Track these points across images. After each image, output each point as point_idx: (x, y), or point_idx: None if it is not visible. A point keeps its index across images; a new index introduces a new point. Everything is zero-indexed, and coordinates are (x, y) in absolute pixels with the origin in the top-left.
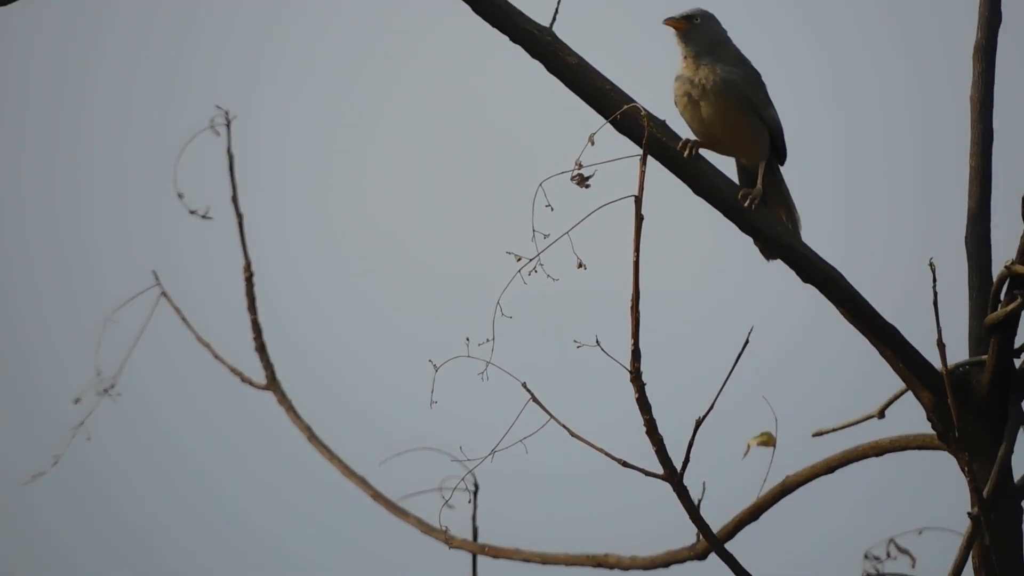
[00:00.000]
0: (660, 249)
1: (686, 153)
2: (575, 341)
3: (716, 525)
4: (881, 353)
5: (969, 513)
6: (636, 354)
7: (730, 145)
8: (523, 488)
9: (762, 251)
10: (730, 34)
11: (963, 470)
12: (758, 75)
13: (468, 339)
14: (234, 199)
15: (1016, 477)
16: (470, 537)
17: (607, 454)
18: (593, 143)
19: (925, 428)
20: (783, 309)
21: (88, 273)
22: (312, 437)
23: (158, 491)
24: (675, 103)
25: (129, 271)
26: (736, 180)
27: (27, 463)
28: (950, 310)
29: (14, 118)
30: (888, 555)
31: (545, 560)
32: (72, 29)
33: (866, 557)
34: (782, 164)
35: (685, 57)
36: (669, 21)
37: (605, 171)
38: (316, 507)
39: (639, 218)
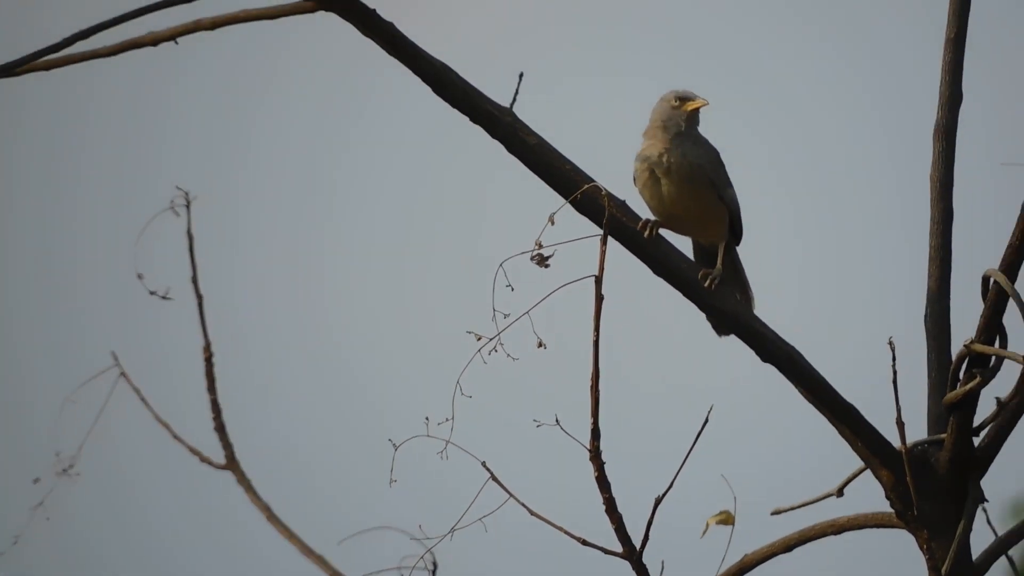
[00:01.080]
0: (620, 328)
1: (646, 233)
2: (535, 420)
3: None
4: (840, 432)
5: None
6: (595, 433)
7: (690, 225)
8: (482, 567)
9: (715, 326)
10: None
11: (922, 548)
12: (718, 154)
13: (428, 418)
14: (194, 280)
15: (975, 555)
16: None
17: (566, 532)
18: (553, 223)
19: (884, 506)
20: (742, 388)
21: (47, 353)
22: (271, 516)
23: (118, 571)
24: (635, 181)
25: (88, 352)
26: (693, 260)
27: None
28: (909, 389)
29: None
30: None
31: None
32: (33, 112)
33: None
34: (738, 244)
35: (655, 135)
36: (701, 100)
37: (565, 251)
38: None
39: (599, 298)
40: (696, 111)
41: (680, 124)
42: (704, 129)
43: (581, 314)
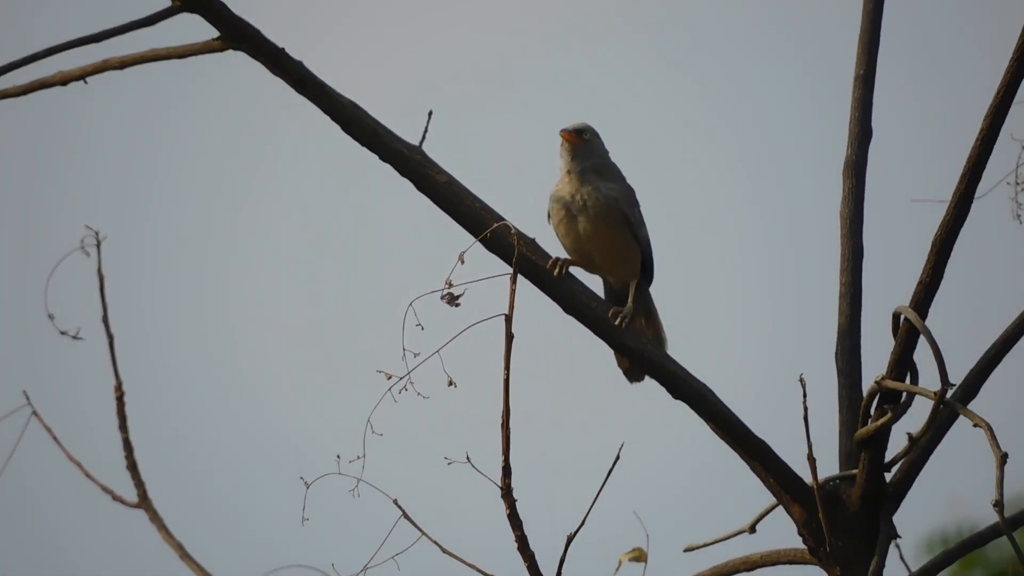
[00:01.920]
0: (531, 366)
1: (556, 271)
2: (446, 458)
3: None
4: (752, 468)
5: None
6: (507, 470)
7: (603, 263)
8: None
9: (626, 374)
10: (610, 149)
11: None
12: (633, 193)
13: (339, 456)
14: (104, 319)
15: None
16: None
17: (479, 570)
18: (463, 262)
19: (796, 543)
20: (654, 425)
21: None
22: (184, 555)
23: None
24: (549, 219)
25: (0, 391)
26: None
27: None
28: (820, 426)
29: None
30: None
31: None
32: None
33: None
34: (649, 284)
35: (568, 172)
36: (565, 134)
37: (476, 290)
38: None
39: (509, 336)
40: (570, 144)
41: (569, 159)
42: (624, 162)
43: (492, 353)
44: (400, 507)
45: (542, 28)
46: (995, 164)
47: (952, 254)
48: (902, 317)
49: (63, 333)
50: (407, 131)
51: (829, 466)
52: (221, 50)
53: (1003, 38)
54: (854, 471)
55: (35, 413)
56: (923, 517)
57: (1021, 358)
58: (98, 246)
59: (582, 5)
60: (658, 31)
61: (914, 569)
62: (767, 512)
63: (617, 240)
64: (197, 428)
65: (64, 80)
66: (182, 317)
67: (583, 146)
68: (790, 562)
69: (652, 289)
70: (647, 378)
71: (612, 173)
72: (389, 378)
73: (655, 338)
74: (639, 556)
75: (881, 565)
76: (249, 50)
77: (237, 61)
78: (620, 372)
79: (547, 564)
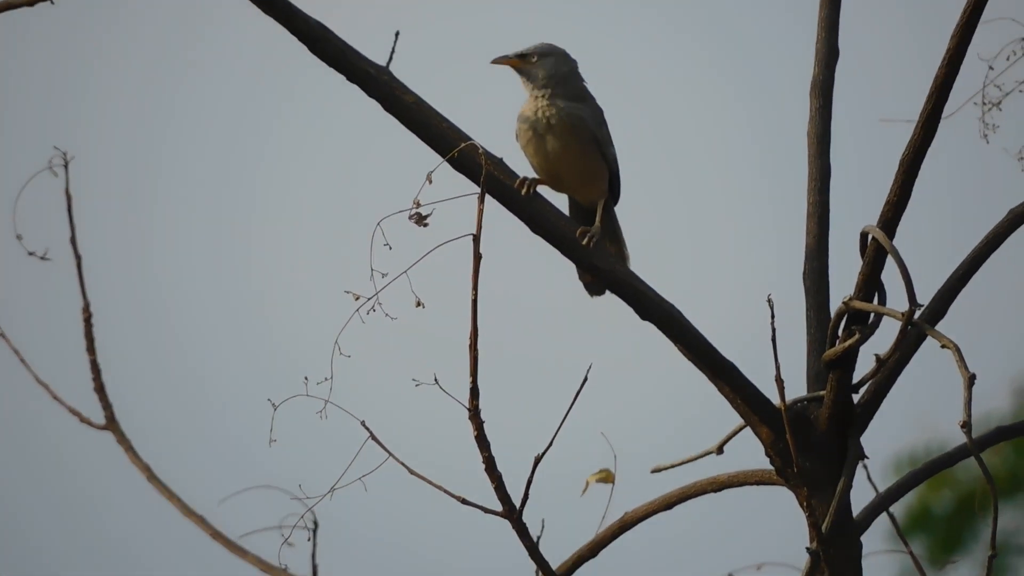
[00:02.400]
0: (499, 287)
1: (524, 191)
2: (413, 379)
3: (556, 562)
4: (719, 389)
5: (808, 548)
6: (474, 392)
7: (571, 182)
8: (363, 526)
9: (587, 287)
10: (581, 68)
11: (802, 505)
12: (601, 112)
13: (307, 378)
14: (72, 240)
15: (855, 512)
16: (310, 575)
17: (446, 491)
18: (431, 182)
19: (764, 464)
20: (622, 346)
21: None
22: (151, 476)
23: None
24: (517, 139)
25: None
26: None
27: None
28: (788, 346)
29: None
30: None
31: None
32: None
33: None
34: (616, 204)
35: (530, 93)
36: (500, 60)
37: (444, 210)
38: (155, 546)
39: (477, 256)
40: (518, 68)
41: (537, 80)
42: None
43: (460, 273)
44: (368, 428)
45: None
46: (962, 84)
47: (920, 174)
48: (870, 237)
49: (31, 254)
50: (375, 53)
51: (797, 387)
52: None
53: None
54: (822, 392)
55: (2, 334)
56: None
57: (988, 278)
58: (66, 166)
59: None
60: None
61: (882, 489)
62: (734, 433)
63: (585, 158)
64: (164, 350)
65: (32, 0)
66: (148, 239)
67: (532, 67)
68: (758, 483)
69: (620, 209)
70: (612, 296)
71: (578, 92)
72: (357, 299)
73: (619, 256)
74: (606, 477)
75: (848, 485)
76: None
77: None
78: (580, 285)
79: (515, 485)
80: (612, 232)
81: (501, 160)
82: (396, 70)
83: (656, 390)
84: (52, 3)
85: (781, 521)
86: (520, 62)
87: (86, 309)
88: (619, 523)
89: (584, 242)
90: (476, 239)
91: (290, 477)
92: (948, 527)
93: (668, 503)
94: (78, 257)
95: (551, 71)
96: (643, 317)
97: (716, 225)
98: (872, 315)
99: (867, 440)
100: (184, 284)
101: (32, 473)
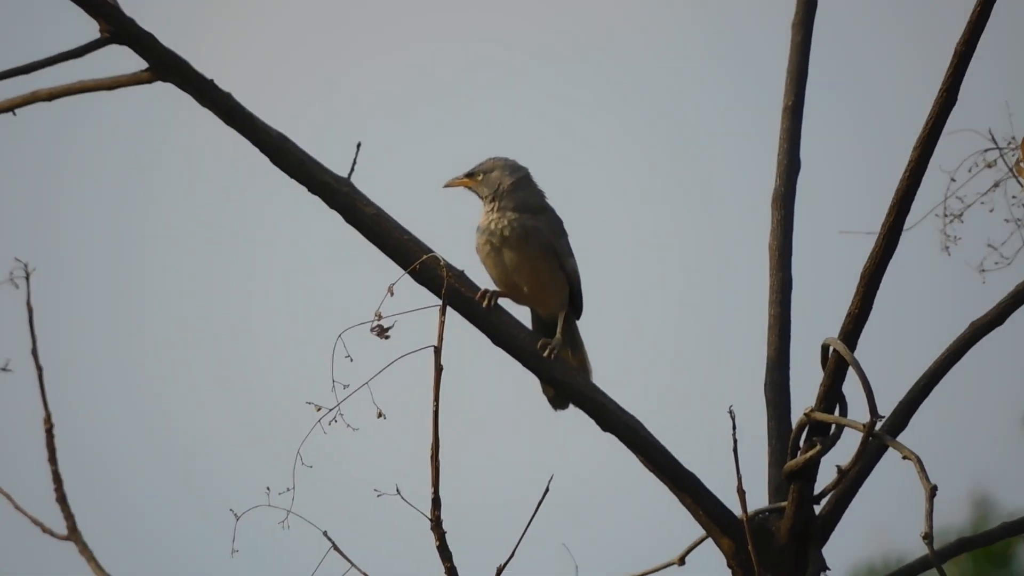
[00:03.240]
0: (460, 398)
1: (485, 303)
2: (375, 490)
3: None
4: (681, 500)
5: None
6: (436, 502)
7: (531, 293)
8: None
9: (551, 401)
10: (539, 174)
11: None
12: (560, 223)
13: (269, 488)
14: (34, 352)
15: None
16: None
17: None
18: (392, 294)
19: (726, 575)
20: (584, 457)
21: None
22: None
23: None
24: (477, 252)
25: None
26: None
27: None
28: (750, 458)
29: None
30: None
31: None
32: None
33: None
34: (578, 317)
35: (485, 207)
36: (452, 183)
37: (406, 322)
38: None
39: (438, 368)
40: (462, 185)
41: (494, 194)
42: (548, 186)
43: (421, 385)
44: (330, 539)
45: (469, 62)
46: (924, 196)
47: (881, 286)
48: (831, 349)
49: None
50: (337, 164)
51: (758, 498)
52: (150, 81)
53: (931, 70)
54: (783, 503)
55: None
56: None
57: (950, 390)
58: (27, 278)
59: (508, 38)
60: (584, 63)
61: None
62: (696, 544)
63: (543, 270)
64: (126, 461)
65: None
66: (111, 349)
67: (478, 186)
68: None
69: (581, 322)
70: (573, 408)
71: (532, 202)
72: (319, 410)
73: (581, 368)
74: None
75: None
76: (177, 81)
77: (166, 93)
78: (545, 399)
79: None
80: (574, 344)
81: (462, 272)
82: (358, 181)
83: (618, 501)
84: (14, 115)
85: None
86: (469, 181)
87: (48, 419)
88: None
89: (544, 354)
90: (437, 351)
91: None
92: None
93: None
94: (39, 368)
95: (494, 185)
96: (604, 428)
97: (678, 336)
98: (833, 426)
99: (828, 551)
100: (144, 396)
101: None
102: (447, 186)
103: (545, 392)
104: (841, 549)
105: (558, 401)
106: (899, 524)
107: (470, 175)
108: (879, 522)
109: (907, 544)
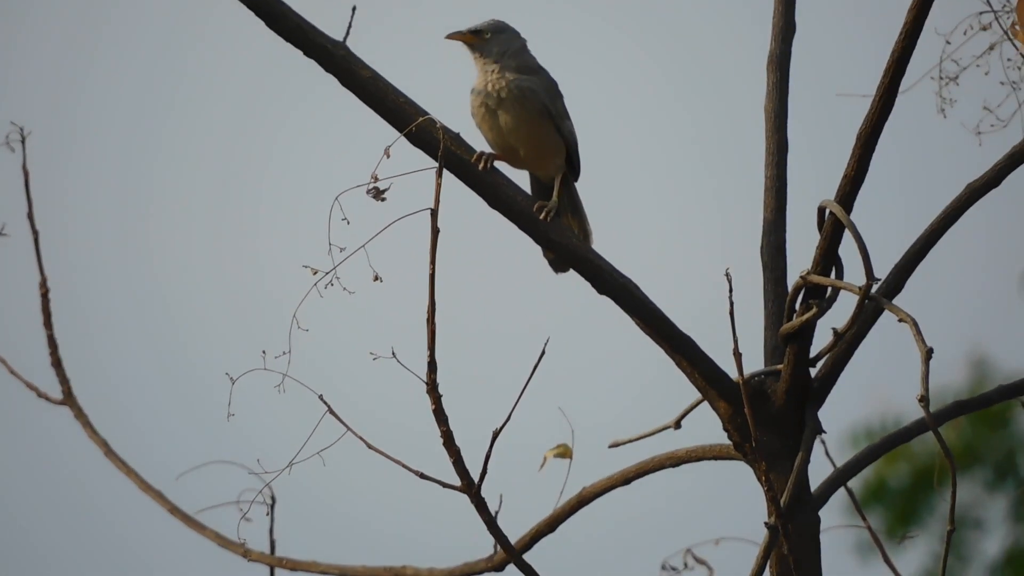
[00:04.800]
0: (457, 262)
1: (481, 165)
2: (371, 353)
3: (514, 536)
4: (677, 364)
5: (766, 523)
6: (432, 366)
7: (527, 156)
8: (321, 501)
9: (551, 264)
10: (530, 43)
11: (760, 480)
12: (556, 85)
13: (264, 352)
14: (30, 215)
15: (813, 487)
16: (268, 550)
17: (404, 466)
18: (389, 156)
19: (721, 438)
20: (579, 320)
21: None
22: (109, 452)
23: None
24: (472, 115)
25: None
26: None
27: None
28: (746, 321)
29: None
30: (686, 565)
31: (343, 572)
32: None
33: (663, 568)
34: (576, 179)
35: (482, 68)
36: (454, 35)
37: (402, 185)
38: (113, 522)
39: (435, 231)
40: (470, 44)
41: (489, 54)
42: (544, 59)
43: (418, 247)
44: (325, 402)
45: None
46: (919, 59)
47: (877, 148)
48: (827, 211)
49: None
50: (332, 28)
51: (754, 361)
52: None
53: None
54: (779, 366)
55: None
56: (848, 411)
57: (946, 252)
58: (23, 141)
59: None
60: None
61: (839, 464)
62: (692, 407)
63: (539, 132)
64: (121, 325)
65: None
66: (107, 214)
67: (487, 44)
68: (715, 457)
69: (580, 187)
70: (573, 272)
71: (529, 66)
72: (315, 273)
73: (581, 232)
74: (564, 452)
75: (806, 460)
76: None
77: None
78: (545, 262)
79: (473, 460)
80: (572, 207)
81: (459, 135)
82: (353, 45)
83: (614, 365)
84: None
85: (739, 496)
86: (473, 38)
87: (43, 284)
88: (577, 498)
89: (541, 216)
90: (434, 213)
91: (248, 452)
92: (905, 501)
93: (626, 478)
94: (35, 232)
95: (504, 47)
96: (600, 291)
97: (674, 199)
98: (830, 289)
99: (824, 414)
100: (141, 259)
101: None
102: (449, 38)
103: (545, 255)
104: (837, 412)
105: (557, 264)
106: (896, 386)
107: (475, 32)
108: (876, 384)
109: (904, 406)
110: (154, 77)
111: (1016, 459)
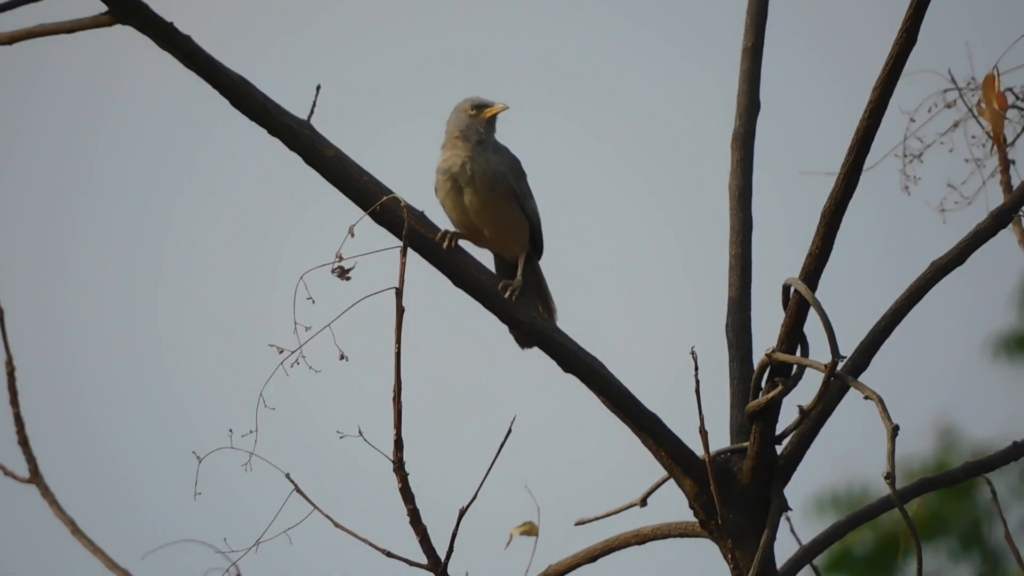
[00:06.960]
0: (423, 340)
1: (445, 244)
2: (338, 432)
3: None
4: (643, 442)
5: None
6: (399, 444)
7: (491, 236)
8: None
9: (517, 340)
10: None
11: (726, 558)
12: (519, 163)
13: (231, 430)
14: None
15: (779, 564)
16: None
17: (371, 544)
18: (353, 235)
19: (688, 516)
20: (545, 399)
21: None
22: (76, 530)
23: None
24: (436, 192)
25: None
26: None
27: None
28: (712, 399)
29: None
30: None
31: None
32: None
33: None
34: (539, 257)
35: (452, 145)
36: (496, 110)
37: (367, 263)
38: None
39: (400, 310)
40: (494, 117)
41: (480, 132)
42: (503, 137)
43: (383, 326)
44: (292, 481)
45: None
46: (884, 136)
47: (842, 226)
48: (792, 289)
49: None
50: (296, 107)
51: (720, 439)
52: (110, 24)
53: (891, 11)
54: (745, 444)
55: None
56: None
57: (911, 330)
58: None
59: None
60: (545, 4)
61: (805, 541)
62: (658, 485)
63: (504, 213)
64: (89, 403)
65: None
66: (74, 292)
67: (494, 121)
68: (681, 535)
69: (545, 264)
70: (539, 351)
71: (496, 145)
72: (281, 352)
73: (545, 310)
74: (530, 530)
75: (772, 537)
76: (137, 24)
77: (126, 36)
78: (512, 338)
79: (440, 538)
80: (537, 286)
81: (423, 213)
82: (317, 123)
83: (580, 443)
84: None
85: (705, 573)
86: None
87: (9, 363)
88: None
89: (505, 295)
90: (399, 292)
91: (215, 531)
92: (870, 570)
93: (592, 556)
94: (0, 311)
95: (486, 125)
96: (565, 369)
97: (639, 278)
98: (795, 367)
99: (790, 489)
100: (109, 337)
101: None
102: (490, 115)
103: (512, 331)
104: (806, 478)
105: (524, 340)
106: (863, 454)
107: (478, 107)
108: (843, 453)
109: (871, 474)
110: (118, 156)
111: (981, 529)
